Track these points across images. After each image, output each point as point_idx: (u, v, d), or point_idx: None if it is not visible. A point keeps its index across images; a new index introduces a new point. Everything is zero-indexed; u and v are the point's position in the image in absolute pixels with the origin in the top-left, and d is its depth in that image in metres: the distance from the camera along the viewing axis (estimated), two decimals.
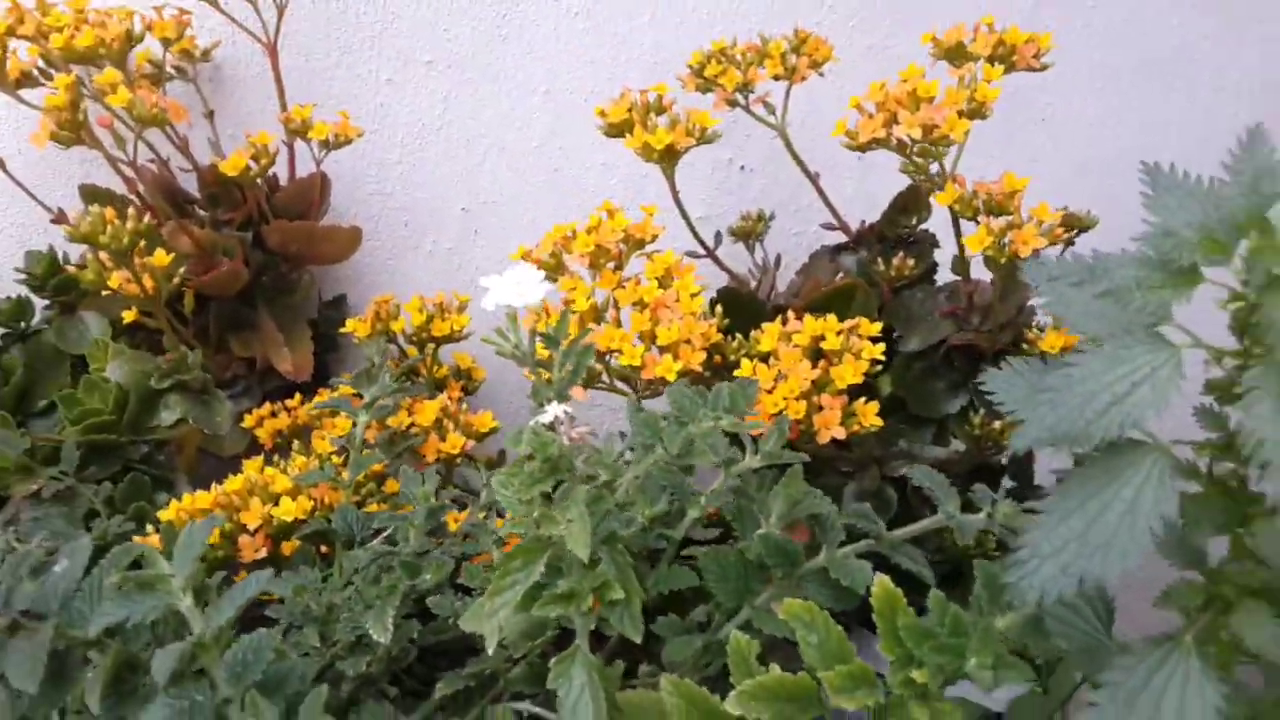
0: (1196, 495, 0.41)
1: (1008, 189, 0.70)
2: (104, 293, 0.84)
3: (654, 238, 0.77)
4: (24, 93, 0.83)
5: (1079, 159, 1.14)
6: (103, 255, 0.74)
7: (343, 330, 1.00)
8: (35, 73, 0.80)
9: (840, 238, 0.96)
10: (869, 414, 0.68)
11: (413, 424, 0.82)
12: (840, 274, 0.96)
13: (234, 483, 0.67)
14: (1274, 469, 0.34)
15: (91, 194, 0.89)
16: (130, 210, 0.74)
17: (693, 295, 0.73)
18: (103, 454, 0.74)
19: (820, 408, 0.68)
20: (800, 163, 0.91)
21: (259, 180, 0.84)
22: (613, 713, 0.42)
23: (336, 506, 0.68)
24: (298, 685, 0.48)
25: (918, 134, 0.71)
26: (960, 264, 0.85)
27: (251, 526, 0.65)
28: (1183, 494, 0.39)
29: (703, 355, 0.70)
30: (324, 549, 0.70)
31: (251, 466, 0.72)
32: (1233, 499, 0.40)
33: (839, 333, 0.71)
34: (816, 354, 0.72)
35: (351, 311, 1.02)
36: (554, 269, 0.78)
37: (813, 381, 0.68)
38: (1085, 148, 1.15)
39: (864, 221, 0.97)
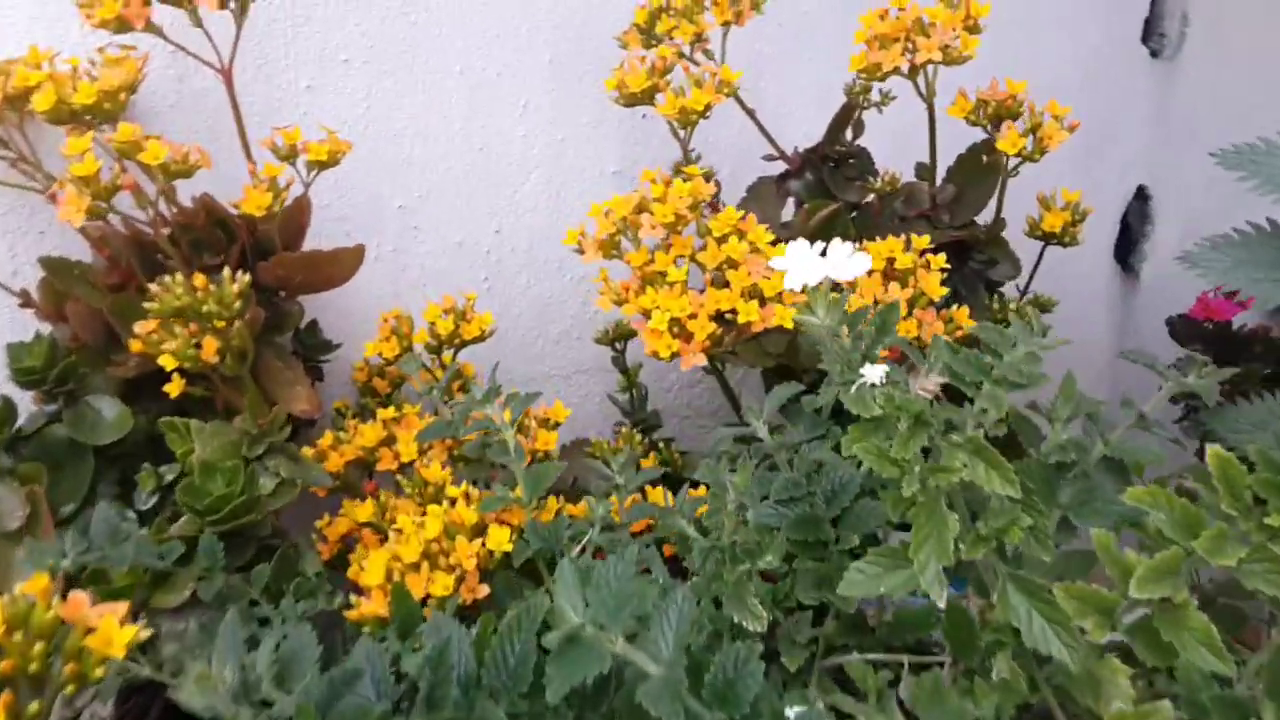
0: None
1: (1011, 91, 0.81)
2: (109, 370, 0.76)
3: (711, 197, 0.81)
4: None
5: None
6: (177, 324, 0.67)
7: (325, 358, 0.96)
8: None
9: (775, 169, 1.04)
10: (962, 317, 0.78)
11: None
12: (791, 199, 1.05)
13: (432, 529, 0.65)
14: None
15: (57, 265, 0.78)
16: (194, 273, 0.67)
17: (771, 243, 0.78)
18: (233, 539, 0.68)
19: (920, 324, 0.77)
20: (741, 103, 0.97)
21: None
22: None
23: (523, 527, 0.68)
24: None
25: (938, 56, 0.80)
26: (929, 170, 0.96)
27: (469, 566, 0.64)
28: None
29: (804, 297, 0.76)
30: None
31: (405, 515, 0.69)
32: None
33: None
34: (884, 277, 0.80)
35: (326, 334, 0.96)
36: (612, 246, 0.80)
37: (907, 300, 0.77)
38: None
39: (796, 149, 1.06)
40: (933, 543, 0.48)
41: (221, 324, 0.67)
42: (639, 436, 0.92)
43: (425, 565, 0.63)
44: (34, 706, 0.43)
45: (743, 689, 0.46)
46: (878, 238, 0.86)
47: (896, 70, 0.83)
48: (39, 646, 0.44)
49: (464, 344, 0.88)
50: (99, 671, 0.46)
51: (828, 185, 1.02)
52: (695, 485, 0.73)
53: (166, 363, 0.70)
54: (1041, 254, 0.97)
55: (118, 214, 0.75)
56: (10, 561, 0.69)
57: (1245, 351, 1.19)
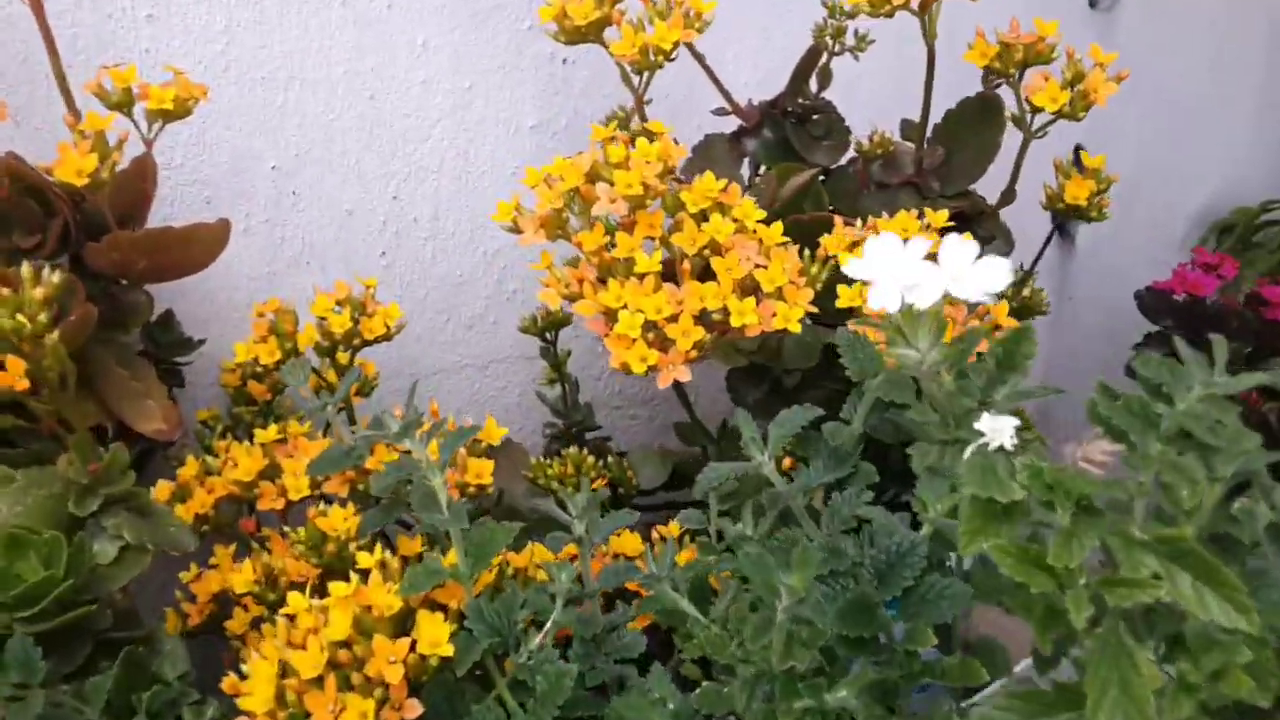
0: None
1: (1041, 33, 0.67)
2: None
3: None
4: None
5: None
6: None
7: (185, 358, 0.76)
8: None
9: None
10: (1002, 314, 0.64)
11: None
12: (745, 160, 0.89)
13: (338, 627, 0.47)
14: None
15: None
16: None
17: (763, 222, 0.62)
18: (58, 638, 0.49)
19: None
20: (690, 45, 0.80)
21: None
22: None
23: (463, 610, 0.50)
24: None
25: None
26: (917, 128, 0.82)
27: (394, 679, 0.46)
28: None
29: (810, 293, 0.61)
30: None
31: (296, 594, 0.51)
32: None
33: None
34: None
35: (184, 328, 0.77)
36: (558, 224, 0.63)
37: None
38: None
39: (750, 101, 0.90)
40: (1117, 697, 0.33)
41: (27, 342, 0.48)
42: (584, 452, 0.75)
43: (331, 680, 0.45)
44: None
45: None
46: (865, 211, 0.72)
47: (906, 5, 0.68)
48: None
49: (364, 344, 0.70)
50: None
51: (792, 144, 0.87)
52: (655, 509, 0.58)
53: None
54: (1053, 233, 0.85)
55: None
56: None
57: (1221, 327, 1.10)
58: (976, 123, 0.80)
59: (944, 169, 0.83)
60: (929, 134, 0.82)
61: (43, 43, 0.64)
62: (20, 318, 0.47)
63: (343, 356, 0.72)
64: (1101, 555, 0.34)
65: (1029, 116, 0.71)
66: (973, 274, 0.37)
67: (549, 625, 0.50)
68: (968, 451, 0.35)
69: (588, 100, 0.98)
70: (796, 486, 0.51)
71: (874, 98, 0.92)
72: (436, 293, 0.94)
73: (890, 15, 0.69)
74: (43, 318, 0.49)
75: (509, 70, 0.94)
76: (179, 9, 0.76)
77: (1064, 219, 0.84)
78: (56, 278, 0.51)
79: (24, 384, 0.51)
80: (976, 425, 0.36)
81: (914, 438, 0.41)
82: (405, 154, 0.90)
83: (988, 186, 0.84)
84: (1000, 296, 0.67)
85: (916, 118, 0.82)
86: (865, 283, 0.37)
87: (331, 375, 0.73)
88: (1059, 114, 0.69)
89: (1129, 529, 0.34)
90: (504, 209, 0.64)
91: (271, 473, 0.66)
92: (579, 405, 0.90)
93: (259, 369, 0.73)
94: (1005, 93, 0.78)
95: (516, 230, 0.64)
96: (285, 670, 0.46)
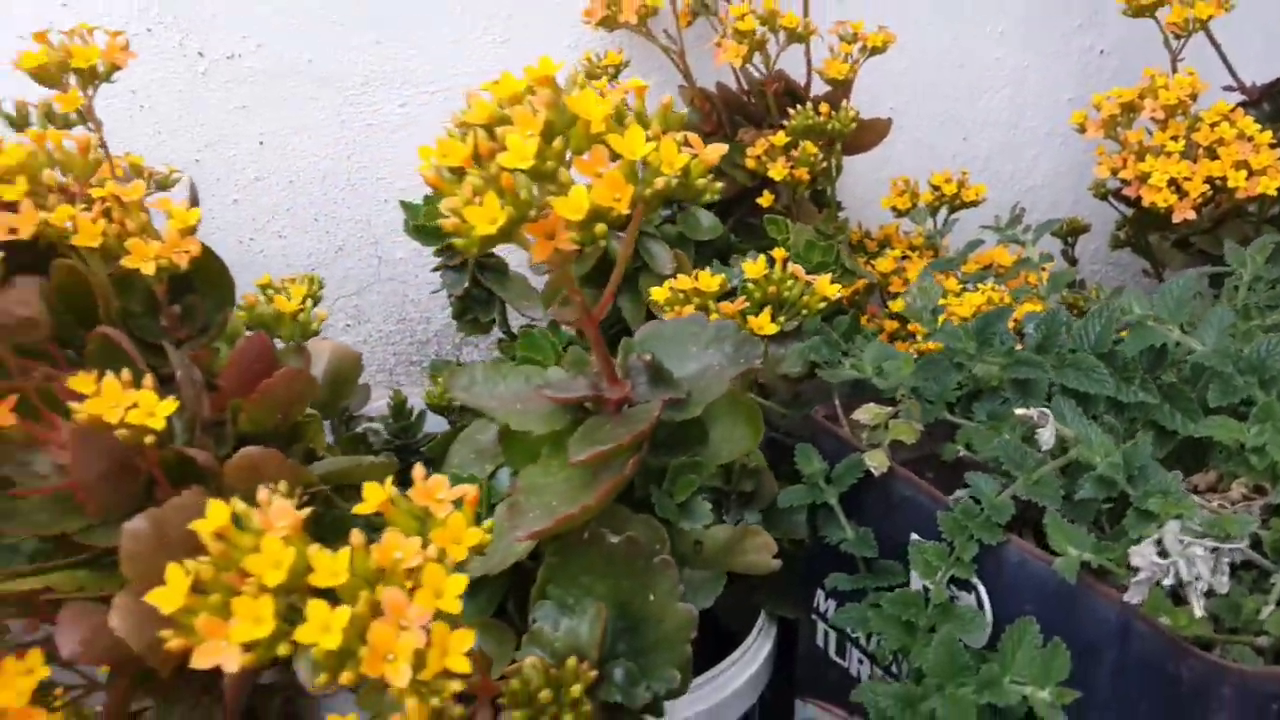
0: None
1: None
2: None
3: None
4: None
5: None
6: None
7: None
8: None
9: None
10: None
11: None
12: None
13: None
14: None
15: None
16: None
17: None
18: None
19: None
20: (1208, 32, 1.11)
21: None
22: None
23: None
24: None
25: None
26: None
27: None
28: None
29: None
30: None
31: None
32: None
33: None
34: None
35: None
36: (1113, 125, 0.99)
37: None
38: None
39: (1254, 82, 1.19)
40: None
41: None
42: None
43: None
44: None
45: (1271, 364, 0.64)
46: None
47: None
48: None
49: (963, 205, 1.10)
50: None
51: None
52: None
53: (776, 173, 0.96)
54: None
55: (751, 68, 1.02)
56: None
57: None
58: None
59: None
60: None
61: None
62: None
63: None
64: None
65: None
66: None
67: None
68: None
69: (1113, 84, 1.33)
70: None
71: None
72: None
73: None
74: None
75: (1058, 56, 1.31)
76: None
77: None
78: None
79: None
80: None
81: None
82: (977, 107, 1.30)
83: None
84: None
85: None
86: None
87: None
88: None
89: None
90: (1079, 115, 1.02)
91: None
92: None
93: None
94: None
95: (1081, 130, 1.01)
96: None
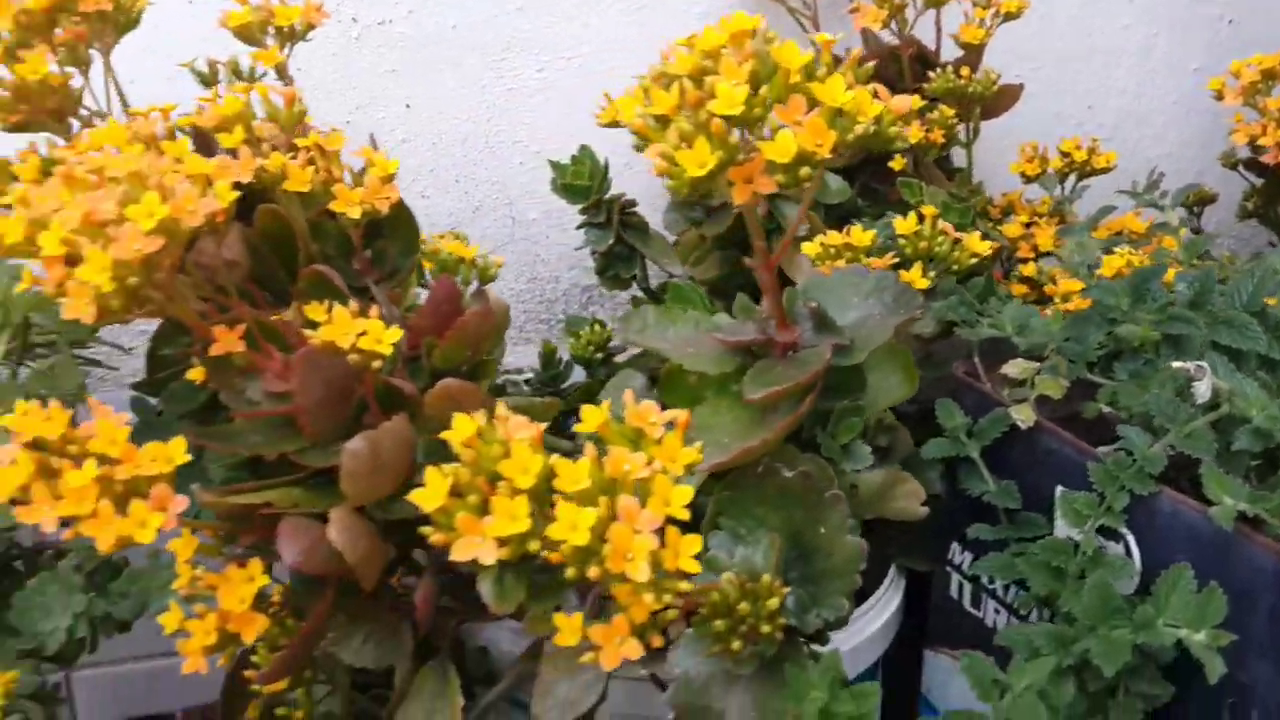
0: None
1: None
2: None
3: None
4: None
5: None
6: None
7: None
8: None
9: None
10: None
11: None
12: None
13: None
14: None
15: None
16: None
17: None
18: None
19: None
20: None
21: None
22: None
23: None
24: None
25: None
26: None
27: None
28: None
29: None
30: None
31: None
32: None
33: None
34: None
35: None
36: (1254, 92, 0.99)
37: None
38: None
39: None
40: None
41: None
42: None
43: None
44: None
45: None
46: None
47: None
48: None
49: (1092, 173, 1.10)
50: None
51: None
52: None
53: (912, 136, 0.97)
54: None
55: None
56: None
57: None
58: None
59: None
60: None
61: None
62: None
63: None
64: None
65: None
66: None
67: None
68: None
69: (1240, 54, 1.31)
70: None
71: None
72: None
73: None
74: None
75: (1186, 25, 1.29)
76: None
77: None
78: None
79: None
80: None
81: None
82: (1102, 75, 1.29)
83: None
84: None
85: None
86: None
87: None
88: None
89: None
90: (1216, 82, 1.01)
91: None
92: None
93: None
94: None
95: (1219, 97, 1.01)
96: None
